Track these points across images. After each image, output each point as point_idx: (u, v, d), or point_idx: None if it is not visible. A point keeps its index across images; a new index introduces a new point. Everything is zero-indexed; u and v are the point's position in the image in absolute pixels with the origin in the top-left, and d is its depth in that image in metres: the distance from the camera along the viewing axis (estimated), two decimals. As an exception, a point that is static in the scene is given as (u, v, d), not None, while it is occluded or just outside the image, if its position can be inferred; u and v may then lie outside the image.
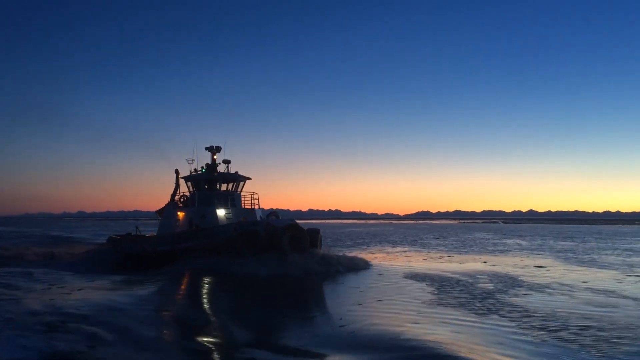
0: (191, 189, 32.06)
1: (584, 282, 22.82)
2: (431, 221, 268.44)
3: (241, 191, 32.59)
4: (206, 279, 23.05)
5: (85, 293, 19.35)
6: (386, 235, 77.53)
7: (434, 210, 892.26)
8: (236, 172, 32.30)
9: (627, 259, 35.16)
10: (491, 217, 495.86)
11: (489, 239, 64.65)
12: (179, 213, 31.20)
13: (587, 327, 13.47)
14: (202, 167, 32.16)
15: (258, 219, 30.57)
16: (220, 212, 29.86)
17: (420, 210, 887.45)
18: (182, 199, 32.40)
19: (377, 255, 37.82)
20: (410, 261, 33.09)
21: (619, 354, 10.97)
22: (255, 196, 32.75)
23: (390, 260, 33.05)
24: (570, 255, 39.04)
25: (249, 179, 32.81)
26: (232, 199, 31.48)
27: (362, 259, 30.41)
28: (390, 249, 44.74)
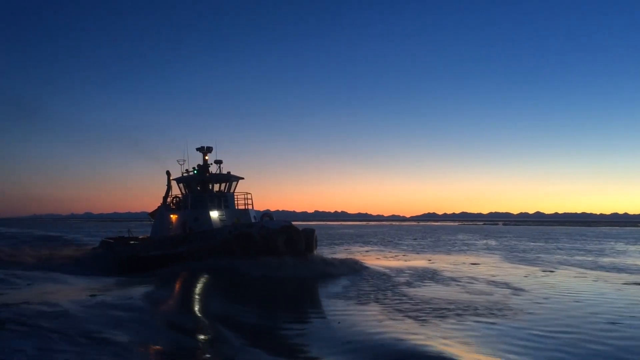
0: (183, 191, 31.84)
1: (493, 276, 25.69)
2: (434, 223, 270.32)
3: (234, 191, 32.41)
4: (200, 280, 22.60)
5: (67, 291, 19.04)
6: (370, 236, 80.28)
7: (440, 212, 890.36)
8: (228, 172, 32.01)
9: (569, 258, 37.74)
10: (497, 219, 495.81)
11: (464, 240, 67.22)
12: (171, 215, 31.04)
13: (440, 309, 16.38)
14: (194, 168, 31.93)
15: (252, 219, 30.70)
16: (214, 214, 29.63)
17: (426, 212, 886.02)
18: (174, 201, 32.33)
19: (339, 254, 40.53)
20: (362, 259, 35.84)
21: (438, 325, 13.88)
22: (249, 196, 32.50)
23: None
24: (520, 254, 41.75)
25: (242, 178, 32.62)
26: (225, 200, 31.26)
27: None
28: (356, 249, 47.57)
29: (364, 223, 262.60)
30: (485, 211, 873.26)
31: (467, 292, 20.00)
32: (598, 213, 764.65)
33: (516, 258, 37.63)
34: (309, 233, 27.95)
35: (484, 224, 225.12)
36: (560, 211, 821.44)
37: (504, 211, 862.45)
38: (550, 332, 13.25)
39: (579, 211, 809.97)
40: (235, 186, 32.46)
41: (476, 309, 16.39)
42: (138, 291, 19.00)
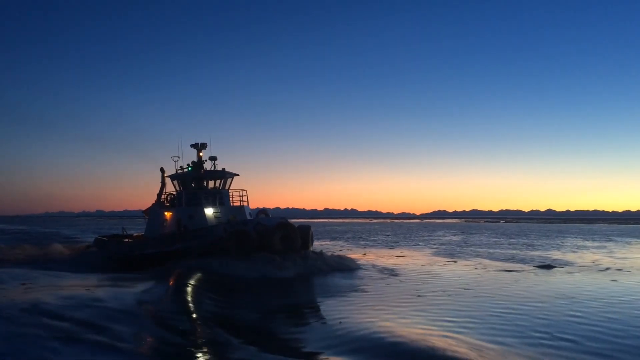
0: (177, 188, 31.66)
1: (395, 265, 29.96)
2: (437, 220, 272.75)
3: (229, 188, 32.29)
4: (194, 278, 21.98)
5: (58, 289, 18.43)
6: (350, 232, 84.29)
7: (450, 210, 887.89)
8: (223, 169, 31.79)
9: (493, 251, 41.50)
10: (507, 217, 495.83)
11: (433, 237, 71.01)
12: (166, 213, 30.89)
13: (306, 287, 20.43)
14: (188, 165, 31.79)
15: (247, 216, 30.80)
16: (209, 211, 29.62)
17: (436, 210, 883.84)
18: (168, 198, 32.25)
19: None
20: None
21: (291, 300, 18.07)
22: (244, 193, 32.48)
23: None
24: (457, 248, 45.78)
25: (237, 175, 32.46)
26: (220, 197, 31.14)
27: None
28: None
29: (367, 220, 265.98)
30: (496, 208, 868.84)
31: (346, 279, 23.99)
32: (610, 210, 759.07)
33: (446, 251, 41.54)
34: (305, 230, 28.25)
35: (486, 222, 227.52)
36: (572, 208, 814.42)
37: (515, 208, 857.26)
38: (364, 303, 17.33)
39: (591, 208, 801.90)
40: (231, 183, 32.38)
41: (327, 291, 20.28)
42: (128, 288, 18.60)
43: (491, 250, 42.99)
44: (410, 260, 33.62)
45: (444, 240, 61.13)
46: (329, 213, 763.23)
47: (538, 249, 44.73)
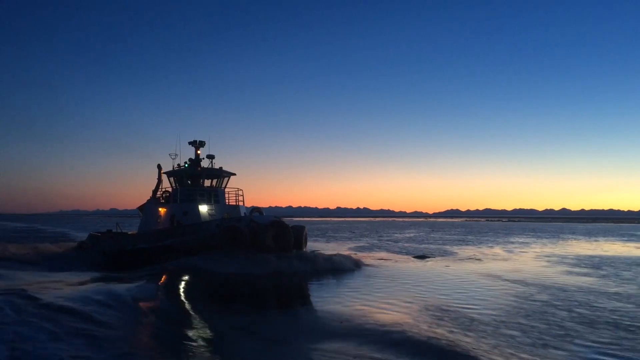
0: (174, 185, 32.19)
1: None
2: (441, 219, 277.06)
3: (225, 187, 32.84)
4: (188, 278, 22.29)
5: (50, 285, 18.90)
6: (321, 230, 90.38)
7: (463, 209, 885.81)
8: (220, 168, 32.26)
9: (419, 246, 47.35)
10: (518, 216, 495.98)
11: (394, 234, 76.87)
12: (160, 209, 31.34)
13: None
14: (186, 162, 32.28)
15: (242, 215, 31.09)
16: (203, 209, 30.08)
17: (449, 209, 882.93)
18: (164, 195, 32.65)
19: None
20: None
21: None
22: (240, 192, 32.99)
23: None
24: (384, 243, 51.69)
25: (234, 174, 33.04)
26: (215, 195, 31.67)
27: None
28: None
29: (367, 219, 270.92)
30: (509, 207, 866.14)
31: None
32: (626, 209, 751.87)
33: (365, 247, 47.33)
34: (299, 230, 28.64)
35: (487, 220, 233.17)
36: (587, 207, 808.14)
37: (529, 208, 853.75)
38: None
39: (606, 207, 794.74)
40: (227, 182, 33.00)
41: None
42: (120, 286, 18.71)
43: (415, 245, 48.88)
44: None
45: (392, 237, 66.49)
46: (341, 212, 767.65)
47: (459, 245, 50.19)
